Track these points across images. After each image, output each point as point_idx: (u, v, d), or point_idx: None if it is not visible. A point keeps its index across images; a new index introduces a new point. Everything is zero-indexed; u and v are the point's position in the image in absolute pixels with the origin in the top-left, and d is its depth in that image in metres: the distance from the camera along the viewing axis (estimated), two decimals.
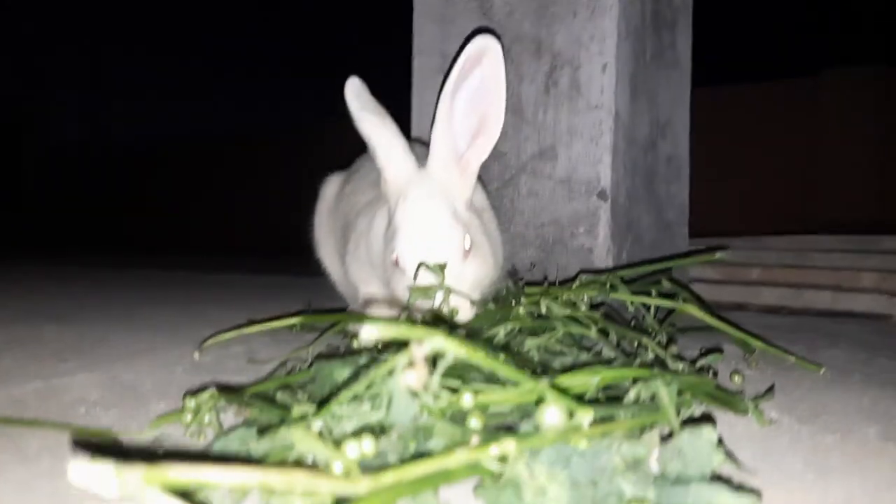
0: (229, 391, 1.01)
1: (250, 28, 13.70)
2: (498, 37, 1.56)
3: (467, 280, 1.42)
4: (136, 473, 0.46)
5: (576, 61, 2.10)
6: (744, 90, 6.91)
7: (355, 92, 1.56)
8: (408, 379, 0.61)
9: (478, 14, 2.25)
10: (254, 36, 13.73)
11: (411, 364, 0.62)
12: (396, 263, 1.42)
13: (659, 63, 2.34)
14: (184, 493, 0.51)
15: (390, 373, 0.65)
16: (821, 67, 6.66)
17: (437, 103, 1.50)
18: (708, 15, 3.18)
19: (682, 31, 2.51)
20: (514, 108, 2.19)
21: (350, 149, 2.05)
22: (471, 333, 1.24)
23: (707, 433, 0.73)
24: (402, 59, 2.47)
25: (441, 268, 1.33)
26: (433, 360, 0.73)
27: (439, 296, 1.31)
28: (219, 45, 13.63)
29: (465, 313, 1.34)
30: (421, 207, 1.43)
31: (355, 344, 1.40)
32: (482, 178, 1.91)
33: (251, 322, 1.53)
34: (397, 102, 2.36)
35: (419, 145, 1.92)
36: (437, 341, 0.62)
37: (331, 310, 2.03)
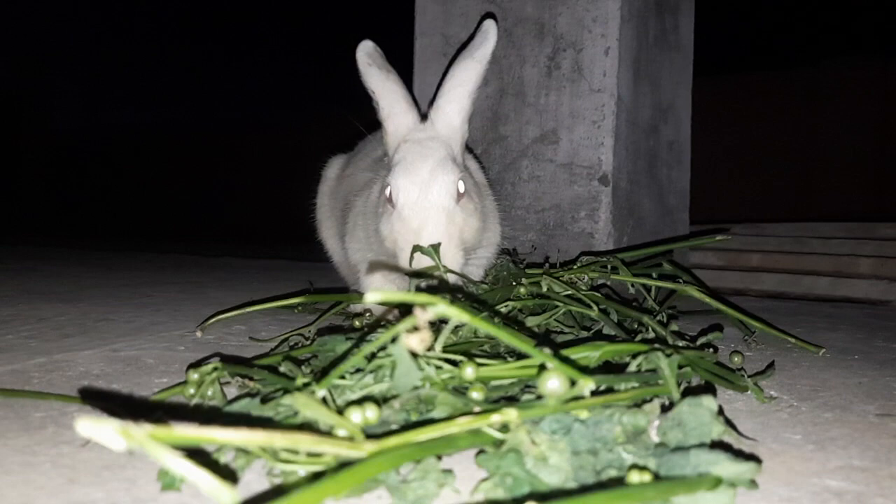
0: (232, 364, 1.01)
1: (248, 12, 13.64)
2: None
3: (456, 224, 1.43)
4: (143, 430, 0.46)
5: (578, 44, 2.09)
6: (743, 80, 6.90)
7: (366, 51, 1.60)
8: (411, 342, 0.61)
9: None
10: (252, 21, 13.67)
11: (415, 329, 0.62)
12: (389, 200, 1.43)
13: (662, 46, 2.33)
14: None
15: (394, 339, 0.66)
16: (821, 58, 6.64)
17: (447, 69, 1.56)
18: (710, 5, 3.17)
19: (685, 15, 2.50)
20: (516, 90, 2.19)
21: (348, 134, 2.05)
22: (474, 304, 1.25)
23: (707, 402, 0.74)
24: (404, 40, 2.47)
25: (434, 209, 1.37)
26: (436, 329, 0.73)
27: (429, 237, 1.35)
28: (218, 31, 13.57)
29: (449, 259, 1.36)
30: (419, 147, 1.46)
31: (357, 323, 1.41)
32: (482, 161, 1.91)
33: (252, 302, 1.54)
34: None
35: None
36: (441, 307, 0.62)
37: (332, 289, 2.03)
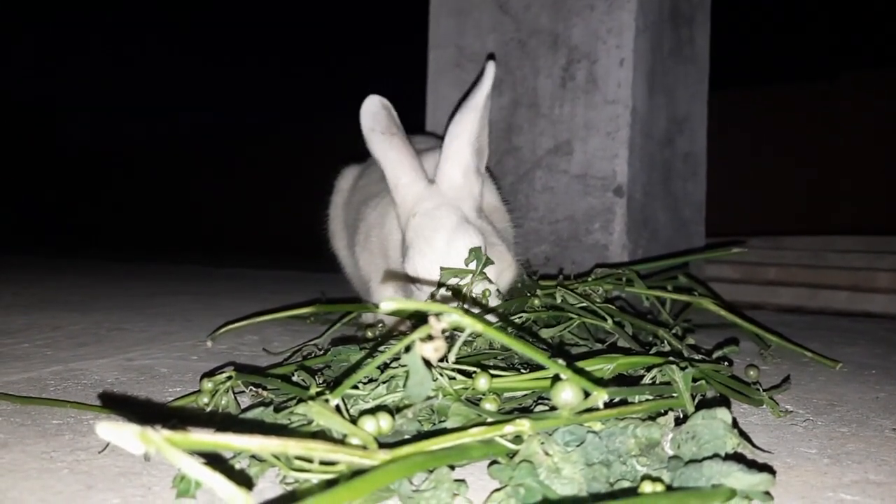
0: (246, 373, 1.01)
1: (262, 22, 13.76)
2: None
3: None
4: (161, 434, 0.47)
5: (593, 55, 2.10)
6: (760, 92, 6.87)
7: (370, 113, 1.54)
8: (425, 351, 0.61)
9: (494, 7, 2.25)
10: (268, 30, 13.79)
11: (429, 337, 0.62)
12: (412, 272, 1.41)
13: (677, 58, 2.33)
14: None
15: (408, 348, 0.66)
16: (839, 70, 6.61)
17: (451, 116, 1.51)
18: (727, 17, 3.17)
19: (701, 27, 2.50)
20: (530, 102, 2.19)
21: (363, 144, 2.06)
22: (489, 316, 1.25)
23: (721, 415, 0.73)
24: (418, 50, 2.48)
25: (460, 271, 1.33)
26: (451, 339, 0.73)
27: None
28: (231, 43, 13.70)
29: (492, 300, 1.34)
30: (429, 220, 1.42)
31: (369, 334, 1.41)
32: (495, 175, 1.91)
33: (264, 312, 1.55)
34: (412, 96, 2.37)
35: (433, 139, 1.92)
36: (455, 316, 0.62)
37: (344, 299, 2.03)
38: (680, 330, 1.45)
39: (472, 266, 1.34)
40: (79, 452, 0.84)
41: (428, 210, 1.43)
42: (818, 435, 0.98)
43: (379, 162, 1.52)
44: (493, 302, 1.34)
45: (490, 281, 1.34)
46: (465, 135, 1.49)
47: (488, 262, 1.30)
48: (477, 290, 1.31)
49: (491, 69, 1.54)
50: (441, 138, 1.55)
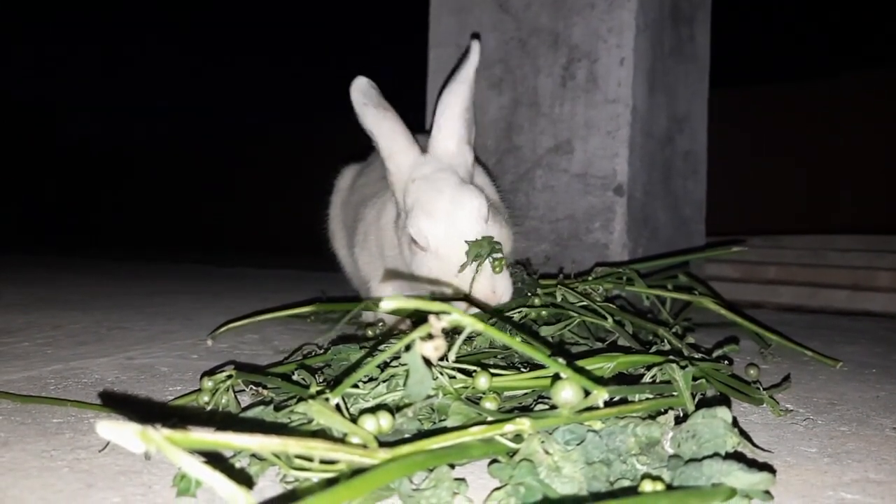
0: (246, 372, 1.01)
1: (261, 22, 13.75)
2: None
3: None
4: (161, 433, 0.47)
5: (593, 54, 2.10)
6: (761, 91, 6.87)
7: (361, 90, 1.56)
8: (425, 350, 0.61)
9: (494, 6, 2.25)
10: (265, 30, 13.78)
11: (429, 336, 0.62)
12: (415, 243, 1.41)
13: (677, 57, 2.33)
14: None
15: (408, 347, 0.66)
16: (839, 70, 6.60)
17: (441, 89, 1.53)
18: (727, 16, 3.17)
19: (701, 25, 2.50)
20: (530, 101, 2.19)
21: (362, 144, 2.06)
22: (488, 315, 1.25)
23: (722, 413, 0.73)
24: (418, 50, 2.48)
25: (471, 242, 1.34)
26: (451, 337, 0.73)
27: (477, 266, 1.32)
28: (231, 43, 13.70)
29: (504, 287, 1.35)
30: (429, 183, 1.43)
31: (370, 333, 1.41)
32: (493, 175, 1.91)
33: (265, 311, 1.55)
34: (412, 96, 2.37)
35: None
36: (455, 315, 0.62)
37: (345, 298, 2.03)
38: (680, 329, 1.45)
39: (479, 229, 1.36)
40: (79, 451, 0.85)
41: (427, 174, 1.45)
42: (818, 434, 0.98)
43: (372, 135, 1.54)
44: (505, 273, 1.35)
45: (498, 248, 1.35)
46: (457, 106, 1.52)
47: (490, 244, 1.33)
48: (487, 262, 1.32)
49: (476, 46, 1.57)
50: None
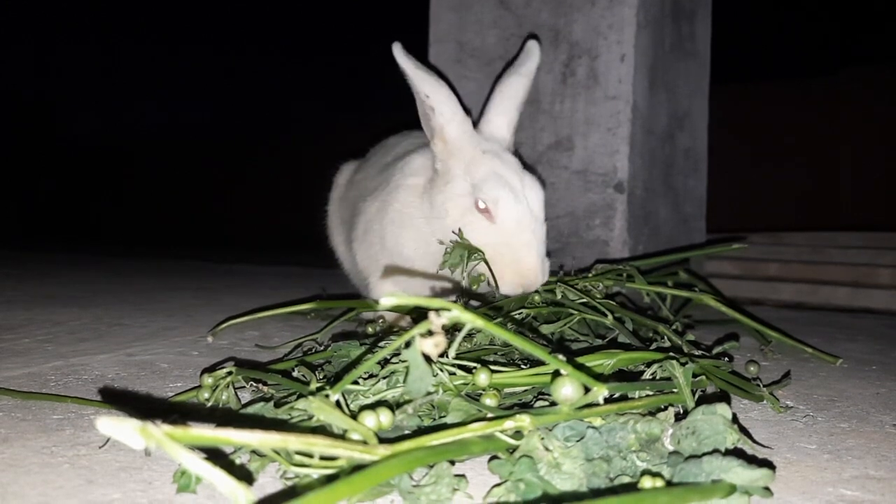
0: (246, 369, 1.01)
1: (261, 20, 13.73)
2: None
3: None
4: (161, 429, 0.47)
5: (594, 51, 2.10)
6: (761, 88, 6.86)
7: (405, 53, 1.54)
8: (425, 346, 0.61)
9: (495, 2, 2.25)
10: (265, 28, 13.77)
11: (429, 333, 0.62)
12: (485, 211, 1.42)
13: (678, 54, 2.33)
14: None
15: (408, 344, 0.66)
16: (840, 66, 6.60)
17: (497, 83, 1.61)
18: (728, 12, 3.17)
19: (702, 22, 2.50)
20: (531, 97, 2.18)
21: (359, 141, 2.05)
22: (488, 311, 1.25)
23: (721, 410, 0.73)
24: (418, 47, 2.48)
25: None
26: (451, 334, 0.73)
27: (538, 251, 1.40)
28: (231, 41, 13.68)
29: (547, 271, 1.42)
30: (500, 160, 1.47)
31: (370, 329, 1.41)
32: None
33: (265, 308, 1.55)
34: (411, 94, 2.36)
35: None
36: (455, 312, 0.62)
37: (345, 295, 2.04)
38: (680, 326, 1.45)
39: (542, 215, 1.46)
40: (80, 447, 0.85)
41: (496, 151, 1.49)
42: (818, 430, 0.98)
43: (429, 97, 1.50)
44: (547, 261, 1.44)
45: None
46: (517, 98, 1.60)
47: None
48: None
49: (536, 49, 1.67)
50: None
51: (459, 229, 1.42)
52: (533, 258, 1.39)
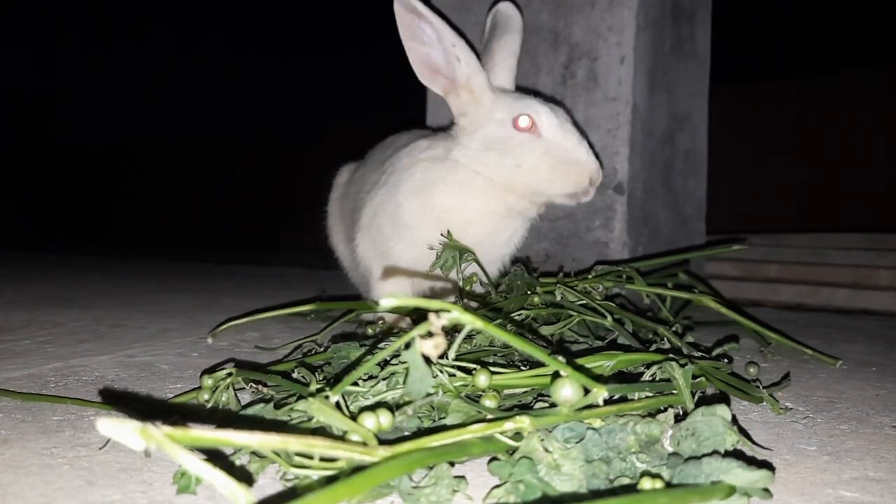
0: (246, 370, 1.02)
1: (261, 20, 13.73)
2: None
3: None
4: (161, 430, 0.47)
5: (593, 53, 2.10)
6: (761, 89, 6.86)
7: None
8: (425, 347, 0.61)
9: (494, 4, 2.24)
10: (265, 28, 13.77)
11: (429, 334, 0.62)
12: (530, 128, 1.45)
13: (678, 55, 2.33)
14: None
15: (408, 345, 0.66)
16: (839, 67, 6.60)
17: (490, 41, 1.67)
18: (728, 13, 3.16)
19: (702, 23, 2.50)
20: None
21: (359, 142, 2.05)
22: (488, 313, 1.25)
23: (721, 411, 0.73)
24: None
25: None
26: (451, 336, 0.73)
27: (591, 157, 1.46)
28: (231, 41, 13.69)
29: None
30: (544, 102, 1.51)
31: (370, 331, 1.41)
32: None
33: (265, 309, 1.55)
34: (412, 95, 2.36)
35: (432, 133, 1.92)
36: (455, 313, 0.63)
37: (345, 297, 2.04)
38: (680, 327, 1.45)
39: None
40: (79, 448, 0.85)
41: (516, 95, 1.54)
42: (818, 432, 0.98)
43: (455, 46, 1.49)
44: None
45: None
46: (515, 53, 1.64)
47: None
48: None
49: (509, 4, 1.71)
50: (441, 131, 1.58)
51: (449, 232, 1.45)
52: (590, 154, 1.45)
